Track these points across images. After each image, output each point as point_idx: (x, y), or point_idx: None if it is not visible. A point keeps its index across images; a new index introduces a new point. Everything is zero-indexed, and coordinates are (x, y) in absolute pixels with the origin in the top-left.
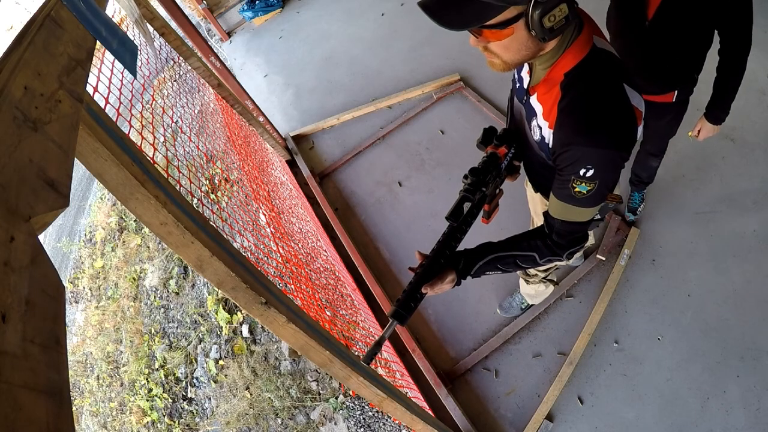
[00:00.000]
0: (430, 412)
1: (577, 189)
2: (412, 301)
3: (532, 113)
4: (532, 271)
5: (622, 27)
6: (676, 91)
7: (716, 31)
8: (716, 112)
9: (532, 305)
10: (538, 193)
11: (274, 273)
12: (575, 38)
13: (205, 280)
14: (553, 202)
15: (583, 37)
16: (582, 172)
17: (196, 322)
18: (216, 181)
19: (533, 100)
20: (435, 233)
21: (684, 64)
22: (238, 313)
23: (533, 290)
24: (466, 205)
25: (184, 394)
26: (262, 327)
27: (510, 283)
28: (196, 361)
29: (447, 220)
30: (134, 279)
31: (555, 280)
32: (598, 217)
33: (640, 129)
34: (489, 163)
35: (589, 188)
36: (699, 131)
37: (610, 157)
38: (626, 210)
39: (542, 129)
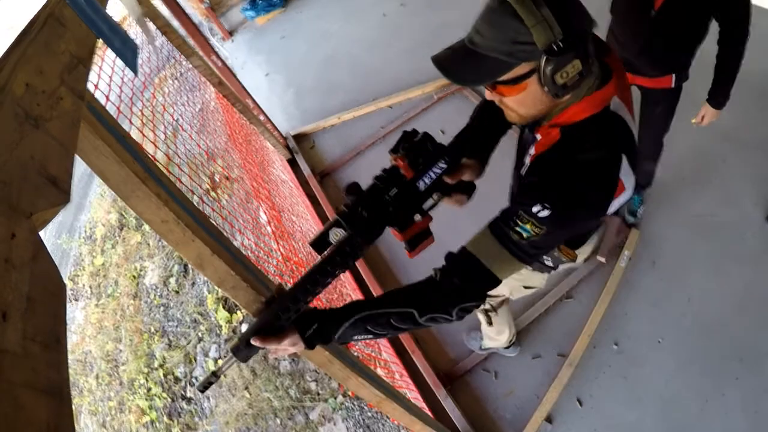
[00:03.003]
0: (429, 413)
1: (517, 229)
2: (247, 344)
3: (529, 146)
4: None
5: (629, 15)
6: (673, 76)
7: (715, 21)
8: (718, 97)
9: (491, 348)
10: None
11: (275, 272)
12: (594, 90)
13: (205, 278)
14: (480, 236)
15: (603, 93)
16: (536, 209)
17: (195, 321)
18: (217, 179)
19: (537, 136)
20: (435, 233)
21: (683, 51)
22: (238, 312)
23: (492, 332)
24: (335, 233)
25: (183, 393)
26: None
27: None
28: (195, 360)
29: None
30: (134, 277)
31: (509, 334)
32: (551, 264)
33: (615, 202)
34: (386, 180)
35: (532, 233)
36: (703, 117)
37: (573, 209)
38: (626, 212)
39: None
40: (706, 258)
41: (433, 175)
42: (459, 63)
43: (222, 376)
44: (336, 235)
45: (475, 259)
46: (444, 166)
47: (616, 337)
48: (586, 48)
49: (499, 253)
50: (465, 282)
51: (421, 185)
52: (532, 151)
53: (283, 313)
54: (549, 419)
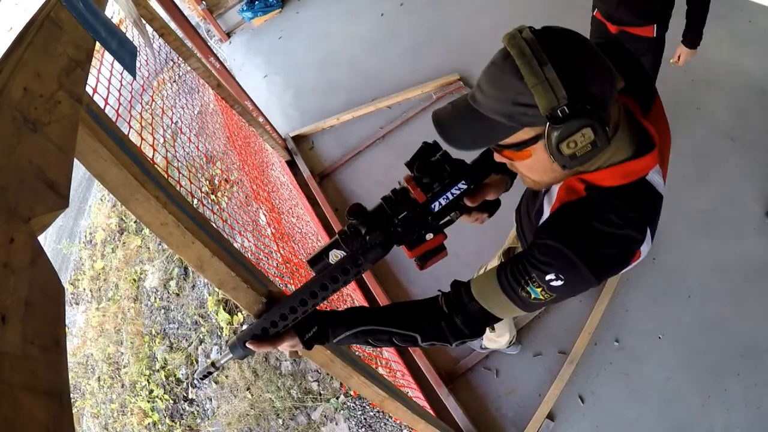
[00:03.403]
0: (431, 411)
1: (528, 289)
2: (244, 344)
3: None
4: None
5: None
6: (654, 25)
7: None
8: (691, 37)
9: (491, 348)
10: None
11: (275, 273)
12: (626, 159)
13: (206, 281)
14: (487, 284)
15: (638, 165)
16: (549, 278)
17: (196, 323)
18: (216, 182)
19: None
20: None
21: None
22: (239, 313)
23: (494, 335)
24: (335, 254)
25: (185, 395)
26: None
27: None
28: (197, 362)
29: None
30: (134, 280)
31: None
32: None
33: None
34: (393, 203)
35: (542, 297)
36: (679, 57)
37: (585, 280)
38: None
39: (544, 215)
40: (707, 254)
41: (450, 196)
42: (457, 122)
43: (223, 377)
44: (336, 256)
45: (479, 305)
46: (464, 187)
47: (617, 334)
48: (602, 115)
49: (504, 304)
50: (467, 324)
51: (436, 207)
52: (553, 197)
53: (280, 320)
54: (551, 416)
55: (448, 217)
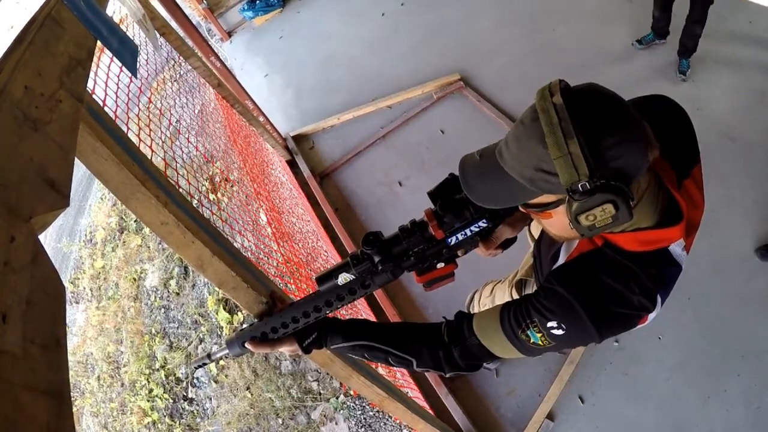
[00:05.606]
0: (430, 411)
1: (527, 333)
2: (242, 344)
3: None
4: None
5: None
6: None
7: None
8: None
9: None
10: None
11: (275, 273)
12: (650, 228)
13: (206, 280)
14: (489, 321)
15: (660, 235)
16: (551, 325)
17: (196, 322)
18: (216, 181)
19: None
20: None
21: None
22: (239, 313)
23: None
24: (345, 278)
25: (184, 394)
26: None
27: None
28: None
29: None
30: (134, 279)
31: None
32: None
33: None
34: (410, 236)
35: (541, 343)
36: None
37: (588, 334)
38: (677, 72)
39: (560, 260)
40: (706, 255)
41: (468, 233)
42: (482, 177)
43: (223, 376)
44: (345, 279)
45: (478, 340)
46: (484, 225)
47: (617, 335)
48: (626, 190)
49: (503, 343)
50: (463, 357)
51: (452, 241)
52: (573, 244)
53: (281, 327)
54: (551, 417)
55: (462, 250)
